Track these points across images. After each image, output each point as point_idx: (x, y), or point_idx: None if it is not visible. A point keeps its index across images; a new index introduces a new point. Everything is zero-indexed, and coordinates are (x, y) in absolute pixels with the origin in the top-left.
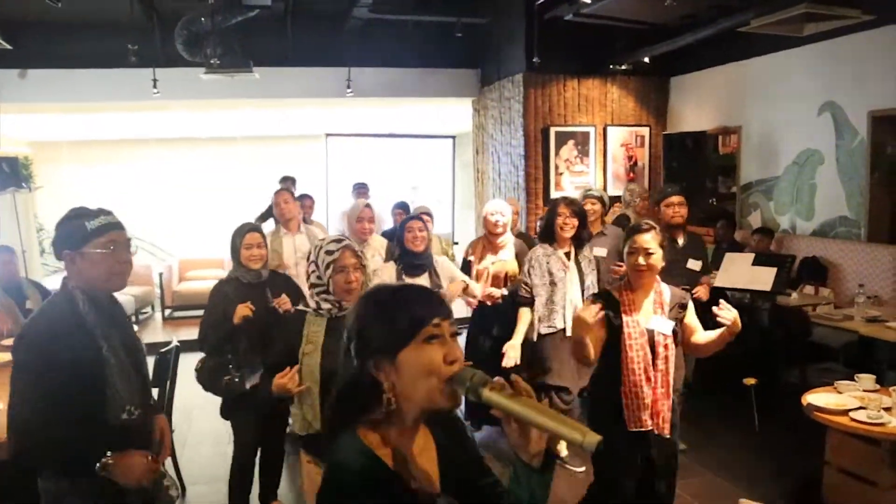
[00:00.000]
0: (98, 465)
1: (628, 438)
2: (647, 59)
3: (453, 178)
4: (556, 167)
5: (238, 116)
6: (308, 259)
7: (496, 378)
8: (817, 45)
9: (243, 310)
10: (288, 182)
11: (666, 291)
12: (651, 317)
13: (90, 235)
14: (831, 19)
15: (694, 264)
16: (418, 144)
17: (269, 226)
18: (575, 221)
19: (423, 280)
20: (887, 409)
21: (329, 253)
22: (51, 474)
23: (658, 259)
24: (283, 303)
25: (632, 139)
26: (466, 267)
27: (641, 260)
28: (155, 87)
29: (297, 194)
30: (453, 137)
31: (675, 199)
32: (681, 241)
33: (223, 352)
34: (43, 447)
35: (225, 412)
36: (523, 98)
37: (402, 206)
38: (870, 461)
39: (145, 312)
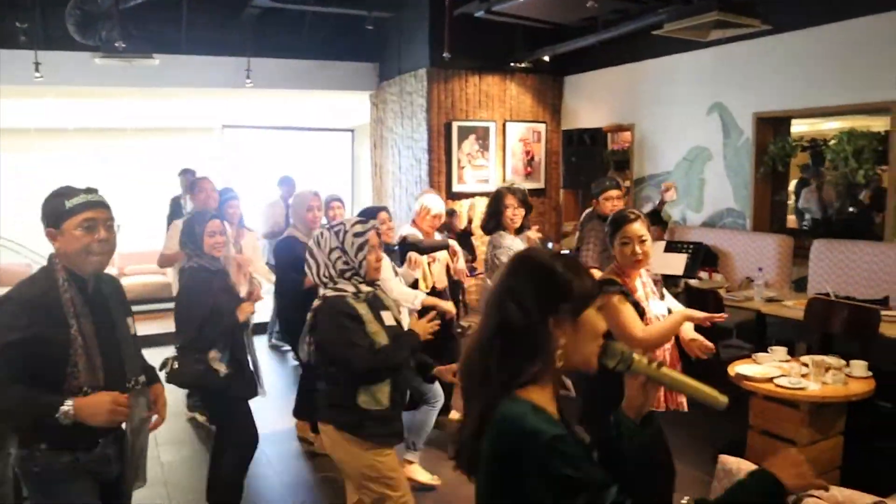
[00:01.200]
0: (59, 413)
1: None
2: (547, 58)
3: (352, 171)
4: (459, 161)
5: (128, 106)
6: (329, 247)
7: (635, 351)
8: (706, 51)
9: (248, 308)
10: (187, 175)
11: (645, 275)
12: (650, 301)
13: (67, 213)
14: (735, 27)
15: None
16: (317, 137)
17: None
18: (522, 211)
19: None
20: (804, 376)
21: (358, 235)
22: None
23: (650, 245)
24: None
25: (529, 135)
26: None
27: (638, 249)
28: (37, 70)
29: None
30: (352, 131)
31: (614, 192)
32: None
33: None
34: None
35: (219, 413)
36: (427, 93)
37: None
38: (790, 422)
39: None
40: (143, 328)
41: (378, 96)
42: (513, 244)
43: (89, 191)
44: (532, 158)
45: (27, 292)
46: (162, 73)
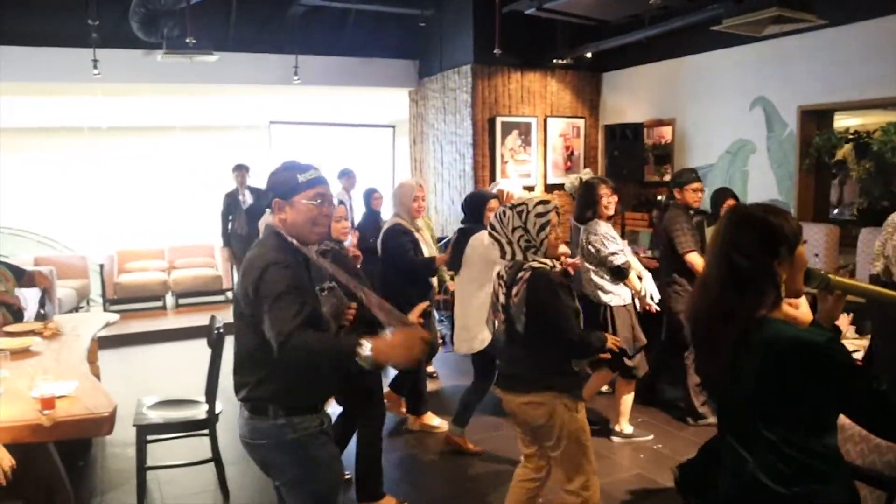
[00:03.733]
0: (356, 354)
1: None
2: (589, 55)
3: (393, 166)
4: (502, 156)
5: (176, 104)
6: (511, 226)
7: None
8: (748, 47)
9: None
10: (242, 170)
11: None
12: None
13: (300, 187)
14: (792, 22)
15: None
16: (359, 133)
17: None
18: (615, 198)
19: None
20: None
21: (540, 215)
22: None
23: None
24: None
25: (569, 130)
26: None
27: None
28: (95, 67)
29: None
30: (393, 127)
31: (698, 184)
32: None
33: None
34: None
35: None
36: (472, 89)
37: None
38: None
39: (82, 307)
40: (194, 320)
41: (418, 93)
42: (607, 231)
43: (312, 167)
44: (572, 153)
45: (285, 259)
46: (214, 71)
